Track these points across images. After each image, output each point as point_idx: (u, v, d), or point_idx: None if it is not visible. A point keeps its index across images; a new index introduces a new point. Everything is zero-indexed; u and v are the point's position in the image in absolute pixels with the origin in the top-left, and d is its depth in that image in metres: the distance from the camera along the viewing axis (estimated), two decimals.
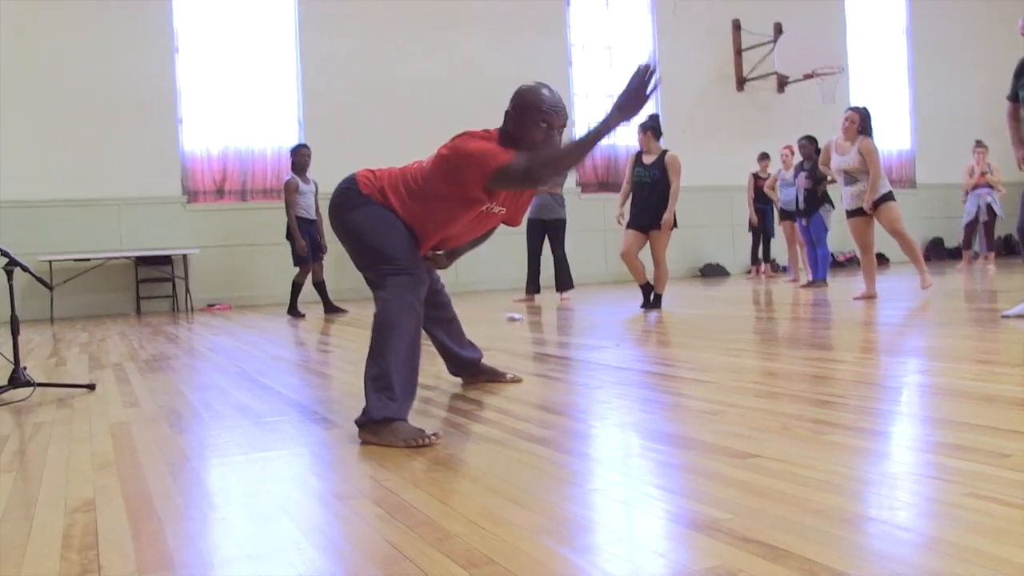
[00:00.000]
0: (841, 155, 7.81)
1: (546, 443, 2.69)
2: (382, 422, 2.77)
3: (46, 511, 2.17)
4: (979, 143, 12.53)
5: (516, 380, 3.90)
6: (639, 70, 2.71)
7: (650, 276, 7.86)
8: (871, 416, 2.87)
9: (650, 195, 7.65)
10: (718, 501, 1.98)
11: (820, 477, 2.12)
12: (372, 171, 3.17)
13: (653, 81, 2.71)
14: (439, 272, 3.61)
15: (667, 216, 7.55)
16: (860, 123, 7.75)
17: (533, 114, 2.98)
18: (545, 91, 3.02)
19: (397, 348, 2.88)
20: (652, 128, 7.76)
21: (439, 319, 3.75)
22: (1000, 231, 13.84)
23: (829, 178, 9.77)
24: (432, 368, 4.35)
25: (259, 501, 2.20)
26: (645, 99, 2.73)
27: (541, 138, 2.98)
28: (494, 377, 3.91)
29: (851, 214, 7.87)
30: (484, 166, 2.85)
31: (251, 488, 2.33)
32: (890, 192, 7.67)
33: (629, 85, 2.72)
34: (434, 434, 2.73)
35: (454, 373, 3.95)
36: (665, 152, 7.76)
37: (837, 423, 2.73)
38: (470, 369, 3.91)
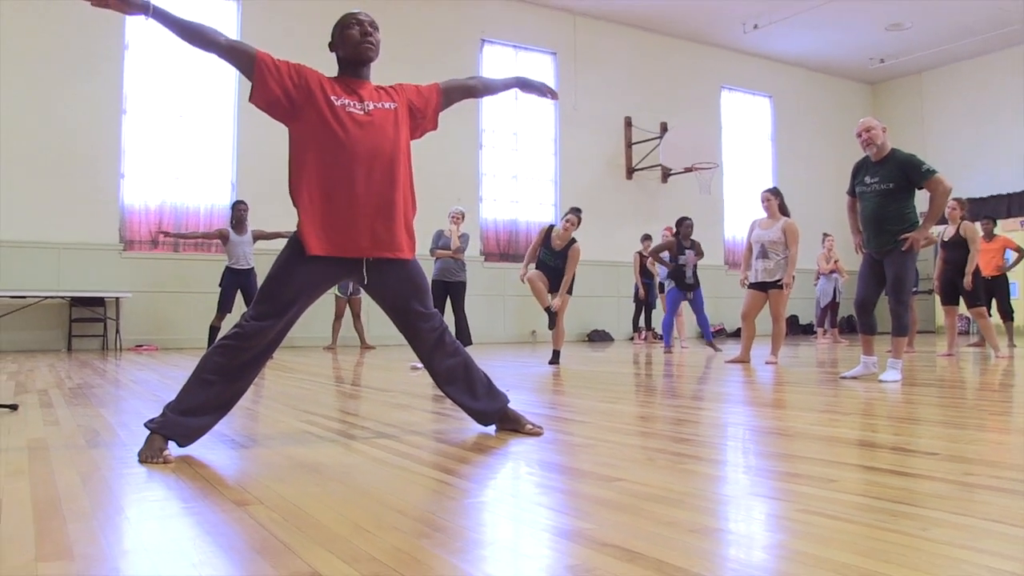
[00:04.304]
0: (764, 230, 7.70)
1: (434, 466, 2.66)
2: (149, 431, 2.80)
3: None
4: (827, 234, 13.16)
5: (535, 432, 3.28)
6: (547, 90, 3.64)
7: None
8: (724, 451, 2.93)
9: (552, 270, 7.60)
10: (583, 514, 1.98)
11: (675, 497, 2.14)
12: None
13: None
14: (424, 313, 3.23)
15: (562, 299, 7.50)
16: (779, 202, 7.73)
17: (343, 25, 3.11)
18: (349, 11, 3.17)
19: (194, 378, 2.90)
20: (579, 217, 7.62)
21: (445, 371, 3.32)
22: (841, 311, 14.45)
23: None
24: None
25: (164, 504, 2.11)
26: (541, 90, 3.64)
27: (358, 37, 3.07)
28: (515, 426, 3.32)
29: (753, 286, 7.74)
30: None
31: (157, 493, 2.24)
32: (793, 279, 7.64)
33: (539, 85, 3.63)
34: (163, 459, 2.67)
35: (485, 424, 3.42)
36: (573, 241, 7.57)
37: (695, 456, 2.77)
38: (492, 420, 3.37)
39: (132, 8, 2.73)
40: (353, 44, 3.07)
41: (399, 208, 3.09)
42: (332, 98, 2.99)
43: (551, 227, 7.69)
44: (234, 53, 2.95)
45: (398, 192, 3.09)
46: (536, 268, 7.70)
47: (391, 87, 3.22)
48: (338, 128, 2.97)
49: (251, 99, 2.96)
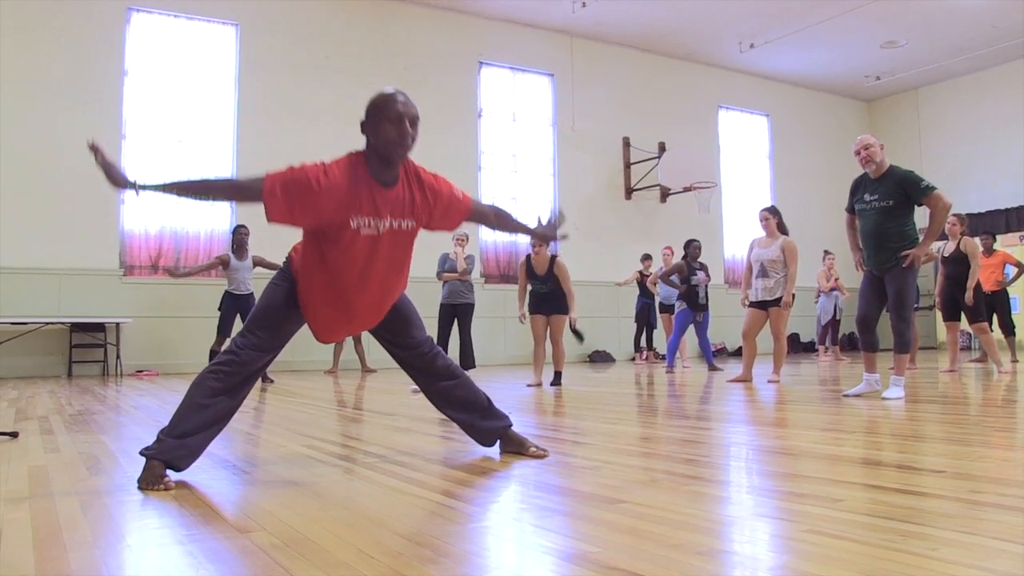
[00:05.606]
0: (763, 249, 7.68)
1: (437, 490, 2.64)
2: (146, 458, 2.78)
3: None
4: (828, 252, 13.16)
5: (539, 455, 3.24)
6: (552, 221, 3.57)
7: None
8: (729, 471, 2.92)
9: (546, 296, 7.63)
10: (589, 537, 1.97)
11: (680, 519, 2.13)
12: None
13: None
14: (415, 336, 3.29)
15: (573, 315, 7.61)
16: (777, 220, 7.73)
17: (380, 114, 2.84)
18: (389, 91, 2.89)
19: (188, 402, 2.88)
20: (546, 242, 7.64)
21: (442, 393, 3.35)
22: (842, 329, 14.43)
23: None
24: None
25: (165, 532, 2.10)
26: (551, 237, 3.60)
27: (395, 138, 2.82)
28: (519, 448, 3.29)
29: (754, 304, 7.69)
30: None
31: (159, 520, 2.23)
32: (793, 297, 7.62)
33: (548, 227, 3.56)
34: (164, 486, 2.65)
35: (486, 445, 3.40)
36: (554, 258, 7.58)
37: (699, 476, 2.76)
38: (493, 440, 3.36)
39: (121, 186, 2.67)
40: (386, 144, 2.84)
41: (392, 302, 3.16)
42: (351, 220, 2.82)
43: (528, 257, 7.72)
44: (241, 195, 2.87)
45: (397, 292, 3.14)
46: (531, 302, 7.70)
47: (422, 186, 2.99)
48: (345, 261, 2.90)
49: (267, 218, 2.86)
